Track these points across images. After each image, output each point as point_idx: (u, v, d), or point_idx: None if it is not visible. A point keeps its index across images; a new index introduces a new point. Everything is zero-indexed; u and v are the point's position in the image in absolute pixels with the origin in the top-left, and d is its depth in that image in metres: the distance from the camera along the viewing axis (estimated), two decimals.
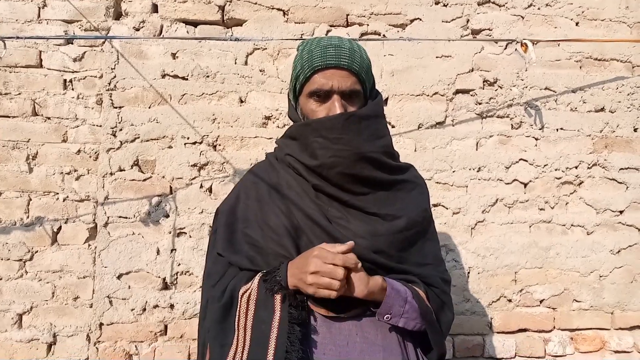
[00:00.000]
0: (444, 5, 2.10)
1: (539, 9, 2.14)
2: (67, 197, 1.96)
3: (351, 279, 0.94)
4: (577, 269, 2.06)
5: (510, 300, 2.03)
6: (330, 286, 0.91)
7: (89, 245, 1.95)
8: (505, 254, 2.03)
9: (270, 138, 1.99)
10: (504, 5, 2.12)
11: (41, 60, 2.00)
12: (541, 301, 2.04)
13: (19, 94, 1.98)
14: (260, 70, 2.01)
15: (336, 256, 0.91)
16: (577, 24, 2.16)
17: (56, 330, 1.91)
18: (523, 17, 2.13)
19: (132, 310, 1.89)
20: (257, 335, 0.95)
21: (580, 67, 2.14)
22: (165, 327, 1.91)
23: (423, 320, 1.01)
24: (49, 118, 1.98)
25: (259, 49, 2.02)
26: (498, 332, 2.03)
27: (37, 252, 1.93)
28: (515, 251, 2.03)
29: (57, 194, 1.96)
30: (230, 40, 1.92)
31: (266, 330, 0.94)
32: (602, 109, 2.13)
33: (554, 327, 2.06)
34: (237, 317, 0.99)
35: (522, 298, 2.04)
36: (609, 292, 2.07)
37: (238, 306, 0.99)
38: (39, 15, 2.01)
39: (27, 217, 1.94)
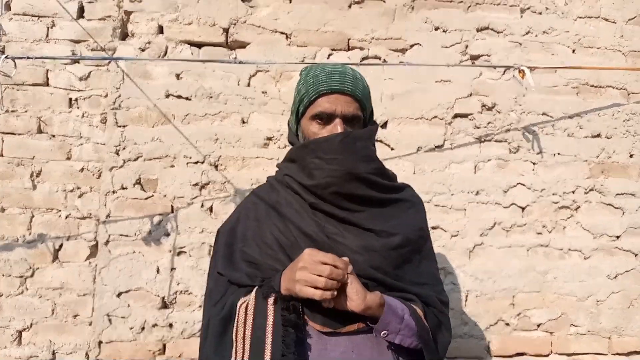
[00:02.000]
0: (444, 31, 2.14)
1: (536, 36, 2.18)
2: (70, 214, 1.98)
3: (348, 292, 0.95)
4: (574, 293, 2.07)
5: (508, 324, 2.04)
6: (315, 282, 0.91)
7: (90, 262, 1.97)
8: (503, 278, 2.04)
9: (272, 158, 2.02)
10: (502, 32, 2.17)
11: (48, 78, 2.04)
12: (539, 325, 2.05)
13: (26, 111, 2.01)
14: (263, 92, 2.05)
15: (326, 255, 0.93)
16: (573, 51, 2.20)
17: (55, 348, 1.92)
18: (521, 44, 2.17)
19: (131, 328, 1.90)
20: (254, 343, 0.96)
21: (577, 94, 2.18)
22: (164, 346, 1.92)
23: (420, 338, 1.02)
24: (53, 136, 2.02)
25: (261, 71, 2.06)
26: (496, 356, 2.03)
27: (38, 268, 1.95)
28: (513, 275, 2.04)
29: (60, 211, 1.98)
30: (234, 63, 1.96)
31: (262, 336, 0.95)
32: (599, 135, 2.16)
33: (552, 352, 2.06)
34: (235, 328, 1.00)
35: (520, 322, 2.04)
36: (606, 317, 2.08)
37: (236, 317, 1.00)
38: (47, 35, 2.06)
39: (30, 233, 1.96)
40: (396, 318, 0.99)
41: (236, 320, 1.00)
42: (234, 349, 0.99)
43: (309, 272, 0.91)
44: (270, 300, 0.96)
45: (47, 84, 2.04)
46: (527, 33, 2.18)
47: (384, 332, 0.99)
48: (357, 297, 0.95)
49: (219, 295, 1.11)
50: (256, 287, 1.01)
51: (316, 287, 0.91)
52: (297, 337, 0.95)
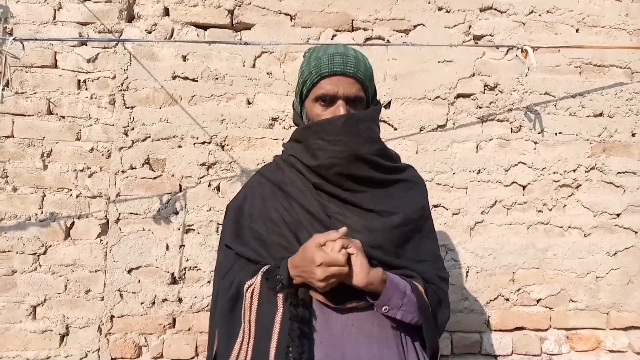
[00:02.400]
0: (447, 12, 2.15)
1: (540, 15, 2.19)
2: (80, 193, 2.03)
3: (352, 267, 0.98)
4: (573, 270, 2.11)
5: (507, 300, 2.09)
6: (341, 272, 0.95)
7: (101, 240, 2.03)
8: (504, 255, 2.08)
9: (277, 139, 2.05)
10: (505, 12, 2.17)
11: (56, 60, 2.07)
12: (538, 301, 2.10)
13: (35, 93, 2.05)
14: (268, 73, 2.08)
15: (335, 243, 0.97)
16: (577, 30, 2.20)
17: (69, 322, 1.99)
18: (524, 24, 2.18)
19: (141, 303, 1.96)
20: (261, 329, 1.00)
21: (580, 73, 2.19)
22: (174, 320, 1.98)
23: (421, 315, 1.04)
24: (63, 117, 2.06)
25: (266, 52, 2.09)
26: (495, 330, 2.09)
27: (50, 246, 2.00)
28: (513, 252, 2.09)
29: (71, 190, 2.03)
30: (239, 44, 1.99)
31: (269, 325, 0.99)
32: (601, 114, 2.17)
33: (550, 326, 2.11)
34: (243, 309, 1.05)
35: (520, 297, 2.09)
36: (604, 293, 2.12)
37: (244, 299, 1.05)
38: (54, 17, 2.08)
39: (42, 212, 2.01)
40: (398, 293, 1.02)
41: (244, 303, 1.05)
42: (242, 329, 1.04)
43: (328, 266, 0.95)
44: (281, 295, 1.00)
45: (56, 66, 2.07)
46: (530, 12, 2.18)
47: (385, 307, 1.01)
48: (360, 271, 0.98)
49: (227, 268, 1.16)
50: (261, 272, 1.05)
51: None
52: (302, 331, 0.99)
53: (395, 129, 2.10)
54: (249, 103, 2.08)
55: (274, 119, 2.07)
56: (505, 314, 2.09)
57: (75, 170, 2.04)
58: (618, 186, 2.16)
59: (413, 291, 1.05)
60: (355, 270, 0.98)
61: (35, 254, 2.00)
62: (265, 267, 1.06)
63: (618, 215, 2.15)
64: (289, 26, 2.10)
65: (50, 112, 2.06)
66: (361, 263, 0.98)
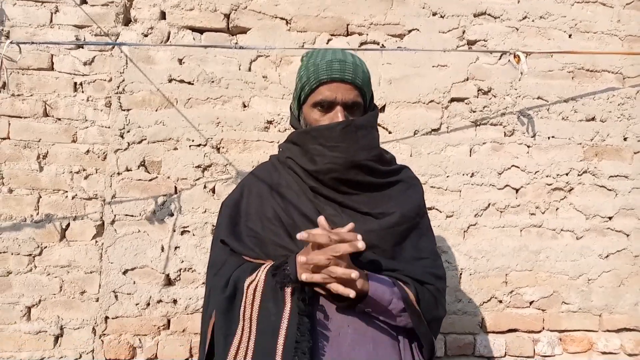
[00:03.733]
0: (441, 17, 2.18)
1: (533, 21, 2.21)
2: (76, 195, 2.04)
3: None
4: (566, 272, 2.13)
5: (500, 301, 2.10)
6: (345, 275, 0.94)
7: (96, 241, 2.03)
8: (497, 257, 2.10)
9: (272, 142, 2.07)
10: (499, 17, 2.20)
11: (53, 63, 2.09)
12: (531, 303, 2.11)
13: (31, 95, 2.06)
14: (263, 77, 2.09)
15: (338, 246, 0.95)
16: (570, 36, 2.23)
17: (63, 323, 1.99)
18: (517, 29, 2.20)
19: (136, 304, 1.97)
20: (265, 326, 1.00)
21: (573, 78, 2.21)
22: (169, 321, 1.99)
23: (411, 320, 1.06)
24: (59, 119, 2.07)
25: (262, 56, 2.10)
26: (489, 332, 2.10)
27: (46, 247, 2.01)
28: (506, 254, 2.10)
29: (66, 192, 2.04)
30: (235, 48, 2.00)
31: (276, 321, 0.98)
32: (593, 119, 2.20)
33: (543, 328, 2.12)
34: (242, 307, 1.04)
35: (513, 299, 2.11)
36: (597, 295, 2.14)
37: (244, 297, 1.04)
38: (51, 20, 2.09)
39: (37, 213, 2.02)
40: (380, 304, 1.03)
41: (243, 300, 1.04)
42: (239, 327, 1.03)
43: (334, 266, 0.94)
44: (288, 290, 1.00)
45: (52, 69, 2.09)
46: (524, 18, 2.21)
47: (368, 309, 1.03)
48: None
49: (220, 264, 1.16)
50: (265, 269, 1.05)
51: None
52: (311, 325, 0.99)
53: (390, 133, 2.12)
54: (245, 106, 2.09)
55: (270, 122, 2.09)
56: (498, 316, 2.10)
57: (71, 172, 2.04)
58: (610, 190, 2.18)
59: (400, 299, 1.05)
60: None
61: (30, 255, 2.00)
62: (269, 264, 1.06)
63: (610, 218, 2.17)
64: (284, 30, 2.12)
65: (46, 114, 2.07)
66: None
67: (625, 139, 2.21)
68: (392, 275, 1.09)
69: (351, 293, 0.93)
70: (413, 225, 1.18)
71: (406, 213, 1.16)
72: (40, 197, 2.03)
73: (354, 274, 0.92)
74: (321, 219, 0.98)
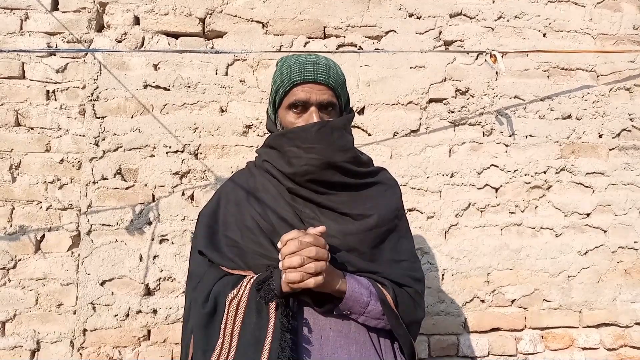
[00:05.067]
0: (418, 18, 2.18)
1: (508, 20, 2.23)
2: (51, 205, 1.99)
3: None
4: (546, 269, 2.15)
5: (483, 301, 2.11)
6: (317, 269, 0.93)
7: (72, 252, 1.99)
8: (478, 256, 2.11)
9: (251, 146, 2.05)
10: (474, 18, 2.22)
11: (24, 71, 2.04)
12: (513, 301, 2.13)
13: (2, 104, 2.01)
14: (241, 81, 2.07)
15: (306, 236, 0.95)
16: (544, 35, 2.26)
17: (40, 337, 1.94)
18: (493, 29, 2.22)
19: (115, 316, 1.93)
20: (247, 341, 0.98)
21: (548, 77, 2.24)
22: (149, 332, 1.95)
23: (389, 322, 1.06)
24: (32, 128, 2.02)
25: (239, 60, 2.08)
26: (472, 332, 2.11)
27: (20, 260, 1.96)
28: (488, 253, 2.11)
29: (41, 202, 1.99)
30: (211, 52, 1.98)
31: (260, 336, 0.97)
32: (569, 117, 2.23)
33: (525, 326, 2.14)
34: (223, 323, 1.02)
35: (495, 298, 2.12)
36: (577, 292, 2.16)
37: (225, 312, 1.02)
38: (21, 28, 2.04)
39: (11, 226, 1.97)
40: (358, 305, 1.03)
41: (225, 315, 1.02)
42: (219, 343, 1.01)
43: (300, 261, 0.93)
44: (273, 305, 0.98)
45: (24, 77, 2.04)
46: (499, 18, 2.23)
47: (346, 312, 1.03)
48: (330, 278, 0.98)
49: (199, 276, 1.14)
50: (248, 283, 1.03)
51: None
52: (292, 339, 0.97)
53: (370, 135, 2.12)
54: (222, 111, 2.07)
55: (248, 127, 2.07)
56: (481, 316, 2.11)
57: (45, 182, 2.00)
58: (587, 186, 2.21)
59: (378, 301, 1.05)
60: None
61: (4, 268, 1.95)
62: (253, 278, 1.04)
63: (588, 215, 2.20)
64: (261, 34, 2.11)
65: (18, 124, 2.02)
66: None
67: (600, 136, 2.25)
68: (371, 277, 1.09)
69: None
70: (391, 228, 1.19)
71: (384, 215, 1.16)
72: (14, 208, 1.98)
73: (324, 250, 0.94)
74: (310, 230, 0.97)
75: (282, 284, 0.97)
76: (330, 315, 1.05)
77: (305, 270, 0.93)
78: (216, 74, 2.07)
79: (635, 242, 2.20)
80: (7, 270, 1.95)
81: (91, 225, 1.95)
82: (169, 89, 2.04)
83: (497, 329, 2.12)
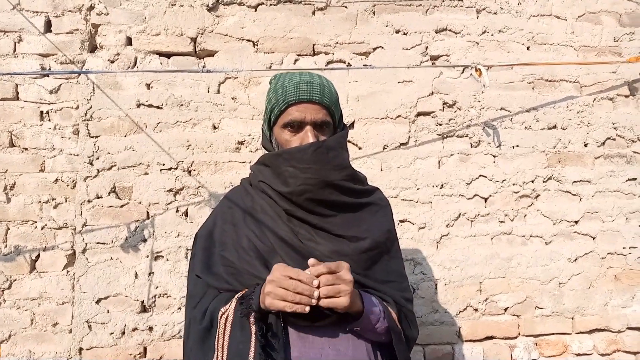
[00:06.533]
0: (404, 34, 2.24)
1: (492, 35, 2.30)
2: (46, 225, 2.00)
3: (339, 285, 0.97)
4: (537, 277, 2.18)
5: (476, 310, 2.14)
6: (284, 297, 0.94)
7: (68, 271, 2.00)
8: (470, 266, 2.14)
9: (244, 162, 2.08)
10: (459, 33, 2.28)
11: (17, 92, 2.07)
12: (505, 309, 2.16)
13: None
14: (232, 98, 2.11)
15: (292, 270, 0.96)
16: (528, 48, 2.32)
17: (35, 357, 1.94)
18: (478, 43, 2.28)
19: (111, 334, 1.93)
20: (234, 355, 1.01)
21: (533, 88, 2.29)
22: (145, 349, 1.96)
23: (393, 338, 1.10)
24: (26, 149, 2.04)
25: (230, 77, 2.13)
26: (466, 341, 2.13)
27: (15, 280, 1.97)
28: (479, 262, 2.15)
29: (35, 222, 2.00)
30: (202, 72, 2.02)
31: (244, 350, 1.00)
32: (554, 127, 2.28)
33: (519, 334, 2.16)
34: (217, 337, 1.06)
35: (488, 307, 2.15)
36: (568, 298, 2.19)
37: (218, 326, 1.06)
38: (14, 50, 2.07)
39: (6, 246, 1.98)
40: (370, 322, 1.07)
41: (218, 329, 1.06)
42: (215, 356, 1.05)
43: (277, 286, 0.95)
44: (252, 319, 1.01)
45: (17, 98, 2.06)
46: (483, 32, 2.29)
47: (357, 328, 1.06)
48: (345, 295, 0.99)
49: (198, 297, 1.17)
50: (235, 299, 1.06)
51: (285, 300, 0.95)
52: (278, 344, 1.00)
53: (360, 148, 2.16)
54: (215, 128, 2.10)
55: (241, 143, 2.10)
56: (475, 324, 2.13)
57: (40, 201, 2.01)
58: (574, 195, 2.25)
59: (385, 318, 1.09)
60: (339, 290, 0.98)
61: None
62: (240, 293, 1.07)
63: (576, 222, 2.24)
64: (251, 52, 2.15)
65: (12, 145, 2.04)
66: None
67: (585, 145, 2.30)
68: (376, 295, 1.13)
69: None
70: (384, 250, 1.22)
71: (378, 238, 1.20)
72: (9, 228, 1.99)
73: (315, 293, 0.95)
74: (311, 262, 0.99)
75: (260, 298, 0.99)
76: (328, 333, 1.07)
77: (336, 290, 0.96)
78: (208, 91, 2.11)
79: (623, 247, 2.24)
80: (2, 290, 1.96)
81: (86, 244, 1.96)
82: (161, 108, 2.07)
83: (492, 337, 2.14)
